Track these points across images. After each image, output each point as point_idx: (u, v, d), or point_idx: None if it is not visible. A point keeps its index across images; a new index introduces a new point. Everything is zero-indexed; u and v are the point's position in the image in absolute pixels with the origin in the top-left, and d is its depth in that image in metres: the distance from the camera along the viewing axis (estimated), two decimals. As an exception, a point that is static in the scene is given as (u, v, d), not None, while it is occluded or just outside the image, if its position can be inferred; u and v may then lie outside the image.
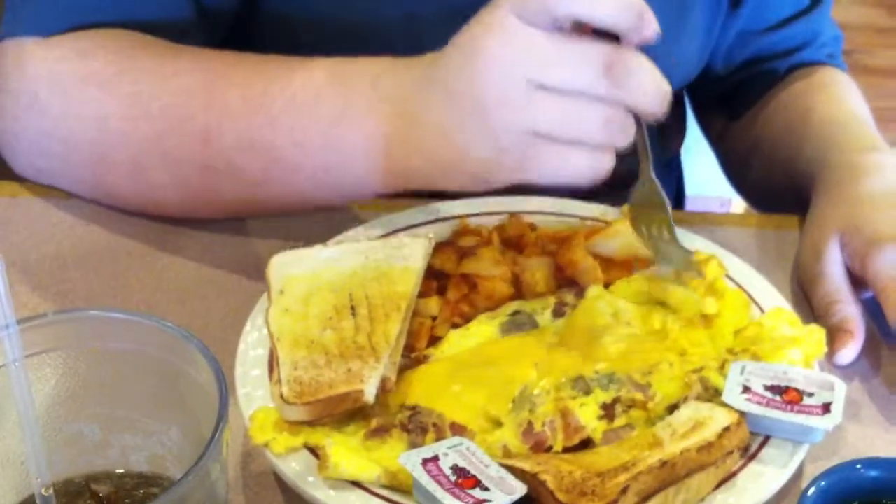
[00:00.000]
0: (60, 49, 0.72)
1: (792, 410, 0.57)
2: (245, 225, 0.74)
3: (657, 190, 0.64)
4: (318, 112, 0.65)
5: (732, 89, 0.92)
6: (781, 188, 0.84)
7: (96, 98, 0.70)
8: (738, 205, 1.20)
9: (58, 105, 0.71)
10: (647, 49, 0.83)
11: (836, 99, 0.85)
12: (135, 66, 0.70)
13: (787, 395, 0.58)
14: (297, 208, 0.71)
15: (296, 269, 0.65)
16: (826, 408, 0.57)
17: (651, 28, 0.58)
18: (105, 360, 0.51)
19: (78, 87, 0.71)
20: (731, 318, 0.64)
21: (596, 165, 0.58)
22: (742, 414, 0.57)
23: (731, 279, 0.67)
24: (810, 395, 0.58)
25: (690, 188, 1.06)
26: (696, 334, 0.62)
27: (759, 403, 0.57)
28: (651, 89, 0.58)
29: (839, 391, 0.58)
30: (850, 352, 0.65)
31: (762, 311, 0.65)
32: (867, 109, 0.84)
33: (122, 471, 0.52)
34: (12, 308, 0.47)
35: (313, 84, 0.65)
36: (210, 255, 0.72)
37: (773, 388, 0.58)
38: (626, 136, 0.58)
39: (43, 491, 0.47)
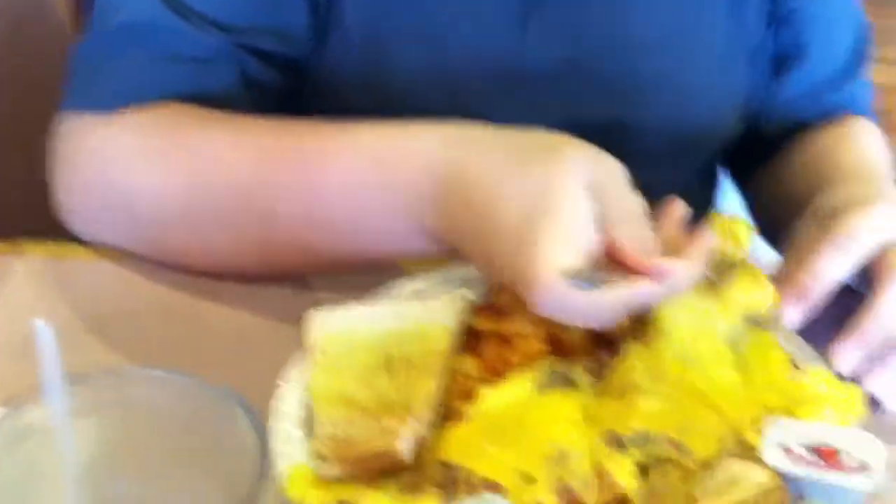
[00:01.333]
0: (119, 125, 0.74)
1: (830, 470, 0.56)
2: (283, 281, 0.75)
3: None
4: (370, 201, 0.67)
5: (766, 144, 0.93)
6: None
7: (154, 172, 0.73)
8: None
9: (119, 179, 0.74)
10: (686, 114, 0.86)
11: (858, 152, 0.86)
12: (189, 141, 0.73)
13: (826, 455, 0.57)
14: (352, 268, 0.74)
15: (332, 326, 0.65)
16: (866, 468, 0.56)
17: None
18: (146, 418, 0.51)
19: (136, 161, 0.74)
20: (768, 374, 0.63)
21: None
22: (780, 473, 0.56)
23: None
24: (849, 454, 0.57)
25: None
26: (733, 391, 0.62)
27: (798, 463, 0.57)
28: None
29: (879, 452, 0.57)
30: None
31: (798, 368, 0.64)
32: (888, 161, 0.85)
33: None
34: (60, 371, 0.48)
35: (362, 170, 0.68)
36: (249, 310, 0.74)
37: (811, 448, 0.57)
38: None
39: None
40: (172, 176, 0.72)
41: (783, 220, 0.85)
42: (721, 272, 0.66)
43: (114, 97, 0.75)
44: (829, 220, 0.69)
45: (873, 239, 0.67)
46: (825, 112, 0.91)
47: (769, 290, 0.66)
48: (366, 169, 0.67)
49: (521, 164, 0.62)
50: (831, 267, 0.66)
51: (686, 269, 0.62)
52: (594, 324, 0.63)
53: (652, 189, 0.66)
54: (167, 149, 0.73)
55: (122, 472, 0.51)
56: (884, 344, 0.65)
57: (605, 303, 0.60)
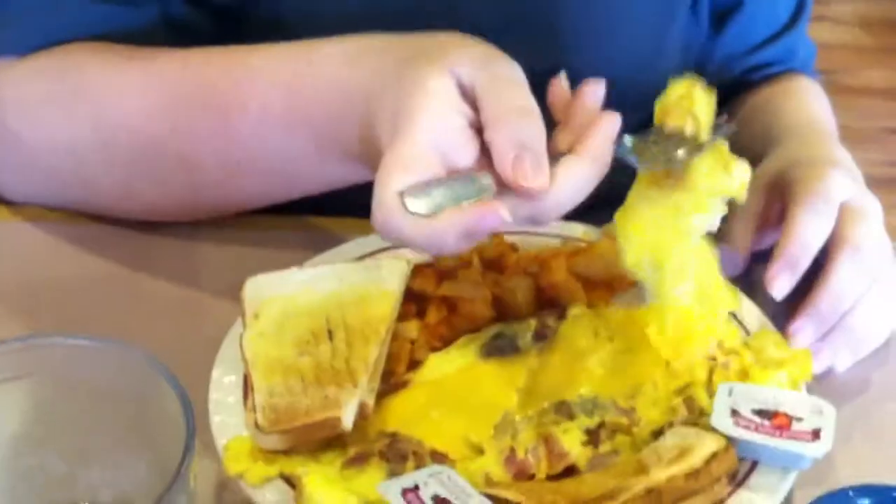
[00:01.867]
0: (22, 69, 0.71)
1: (781, 436, 0.56)
2: (220, 247, 0.73)
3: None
4: (289, 135, 0.64)
5: None
6: None
7: (59, 126, 0.70)
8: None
9: (28, 135, 0.71)
10: (625, 76, 0.85)
11: (799, 108, 0.86)
12: (93, 86, 0.69)
13: (776, 419, 0.57)
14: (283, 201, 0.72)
15: (271, 292, 0.63)
16: (816, 433, 0.56)
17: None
18: (71, 388, 0.49)
19: (39, 113, 0.70)
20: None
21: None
22: (730, 439, 0.55)
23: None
24: (800, 419, 0.56)
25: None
26: (687, 335, 0.61)
27: (748, 428, 0.56)
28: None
29: (829, 416, 0.57)
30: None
31: (748, 332, 0.64)
32: (831, 118, 0.85)
33: (87, 505, 0.50)
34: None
35: (276, 107, 0.64)
36: (185, 278, 0.71)
37: (761, 413, 0.57)
38: None
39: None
40: (79, 128, 0.69)
41: None
42: (682, 156, 0.59)
43: (24, 39, 0.71)
44: (789, 186, 0.68)
45: (840, 202, 0.66)
46: (764, 65, 0.90)
47: (739, 167, 0.60)
48: (279, 106, 0.65)
49: (402, 69, 0.58)
50: (816, 235, 0.65)
51: (568, 182, 0.55)
52: (435, 251, 0.56)
53: None
54: (71, 98, 0.70)
55: (44, 445, 0.49)
56: (837, 315, 0.65)
57: (441, 229, 0.53)
